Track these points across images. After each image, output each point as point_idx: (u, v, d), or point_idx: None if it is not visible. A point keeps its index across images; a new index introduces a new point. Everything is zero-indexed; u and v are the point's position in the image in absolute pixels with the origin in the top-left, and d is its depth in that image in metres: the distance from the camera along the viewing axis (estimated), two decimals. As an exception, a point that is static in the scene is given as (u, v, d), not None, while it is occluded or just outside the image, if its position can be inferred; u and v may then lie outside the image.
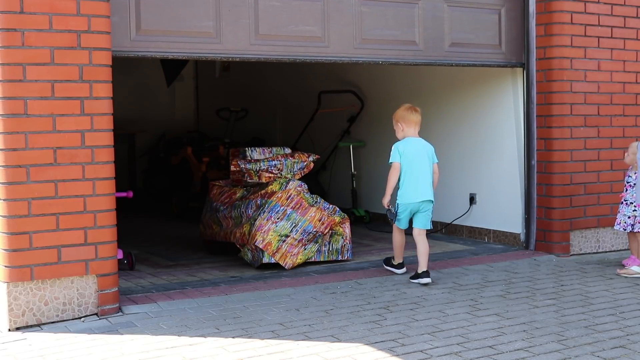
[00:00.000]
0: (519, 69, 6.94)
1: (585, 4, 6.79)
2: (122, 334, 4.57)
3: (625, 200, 6.24)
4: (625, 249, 7.13)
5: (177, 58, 5.49)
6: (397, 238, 6.06)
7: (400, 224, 6.01)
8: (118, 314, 4.94)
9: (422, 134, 6.86)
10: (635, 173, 6.15)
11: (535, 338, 4.43)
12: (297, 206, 6.25)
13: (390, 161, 5.98)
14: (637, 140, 6.39)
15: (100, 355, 4.19)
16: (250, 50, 5.62)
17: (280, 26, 5.71)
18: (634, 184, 6.07)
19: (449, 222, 7.75)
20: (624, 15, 7.02)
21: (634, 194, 6.04)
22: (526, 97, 6.90)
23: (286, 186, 6.31)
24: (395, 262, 6.13)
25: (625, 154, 6.34)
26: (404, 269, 6.09)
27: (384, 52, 6.21)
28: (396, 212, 5.98)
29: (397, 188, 6.02)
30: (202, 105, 12.92)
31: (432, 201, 5.99)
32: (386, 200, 6.01)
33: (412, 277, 5.88)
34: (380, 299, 5.30)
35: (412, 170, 5.93)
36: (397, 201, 5.99)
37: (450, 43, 6.49)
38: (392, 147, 6.00)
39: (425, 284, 5.77)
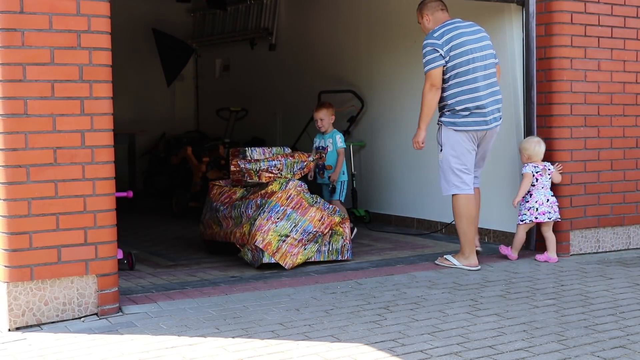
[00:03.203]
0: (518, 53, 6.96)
1: (585, 4, 6.80)
2: (122, 334, 4.57)
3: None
4: (624, 249, 7.14)
5: None
6: (343, 207, 7.46)
7: (343, 196, 7.54)
8: (118, 314, 4.94)
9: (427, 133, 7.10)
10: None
11: (535, 338, 4.43)
12: (297, 206, 6.25)
13: (343, 146, 7.54)
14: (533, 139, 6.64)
15: (100, 355, 4.19)
16: None
17: None
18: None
19: (449, 222, 7.75)
20: (624, 15, 7.03)
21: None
22: (526, 97, 6.91)
23: (286, 186, 6.31)
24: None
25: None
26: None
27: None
28: (341, 188, 7.50)
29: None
30: (202, 105, 12.93)
31: None
32: (336, 177, 7.52)
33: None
34: (380, 299, 5.31)
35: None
36: (345, 179, 7.55)
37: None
38: (340, 136, 7.54)
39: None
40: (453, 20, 6.32)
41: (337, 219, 6.39)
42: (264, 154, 6.59)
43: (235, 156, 6.65)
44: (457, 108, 6.16)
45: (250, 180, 6.49)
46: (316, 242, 6.31)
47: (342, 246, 6.44)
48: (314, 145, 7.64)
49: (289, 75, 10.51)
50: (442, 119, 6.27)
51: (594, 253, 6.96)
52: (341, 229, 6.42)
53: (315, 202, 6.37)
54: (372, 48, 8.87)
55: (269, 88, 10.93)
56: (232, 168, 6.64)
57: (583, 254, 6.90)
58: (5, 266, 4.62)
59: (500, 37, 7.17)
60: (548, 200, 6.51)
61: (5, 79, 4.56)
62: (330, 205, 6.46)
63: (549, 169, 6.54)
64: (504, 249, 6.65)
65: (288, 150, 6.75)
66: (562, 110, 6.76)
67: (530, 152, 6.51)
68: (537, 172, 6.48)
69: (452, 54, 6.12)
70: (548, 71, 6.77)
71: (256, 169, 6.42)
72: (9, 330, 4.64)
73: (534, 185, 6.49)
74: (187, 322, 4.79)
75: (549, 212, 6.50)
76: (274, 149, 6.70)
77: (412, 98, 8.21)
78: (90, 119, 4.80)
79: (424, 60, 6.18)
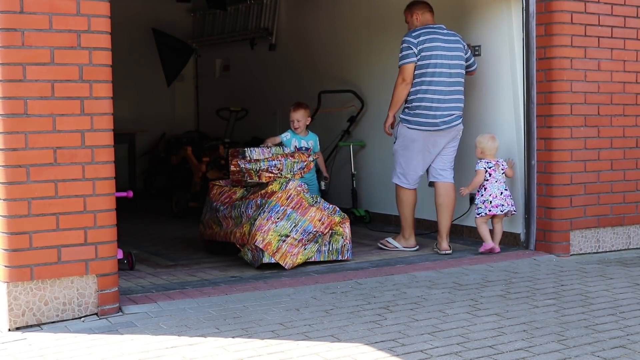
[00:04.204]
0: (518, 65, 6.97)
1: (585, 4, 6.79)
2: (122, 334, 4.57)
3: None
4: (624, 249, 7.14)
5: None
6: None
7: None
8: (118, 314, 4.94)
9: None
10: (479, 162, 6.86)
11: (535, 338, 4.43)
12: (297, 206, 6.25)
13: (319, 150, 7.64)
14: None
15: (100, 355, 4.19)
16: None
17: None
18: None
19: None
20: (624, 15, 7.02)
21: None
22: (526, 97, 6.91)
23: (286, 186, 6.31)
24: None
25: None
26: None
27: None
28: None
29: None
30: (202, 105, 12.92)
31: None
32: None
33: None
34: (380, 299, 5.31)
35: None
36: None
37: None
38: (317, 139, 7.54)
39: None
40: (434, 26, 6.86)
41: (337, 219, 6.39)
42: (264, 154, 6.59)
43: (235, 156, 6.65)
44: (414, 105, 6.77)
45: (250, 180, 6.49)
46: (316, 242, 6.30)
47: (342, 246, 6.44)
48: (293, 145, 7.36)
49: (289, 75, 10.51)
50: (401, 115, 6.91)
51: (594, 253, 6.96)
52: (341, 229, 6.42)
53: (315, 202, 6.37)
54: (372, 48, 8.87)
55: (269, 88, 10.93)
56: (232, 168, 6.63)
57: (583, 254, 6.90)
58: (5, 266, 4.62)
59: (500, 36, 7.17)
60: (502, 193, 6.78)
61: (5, 79, 4.56)
62: (331, 205, 6.46)
63: (502, 166, 6.83)
64: (483, 248, 6.82)
65: (288, 150, 6.75)
66: (562, 110, 6.76)
67: (483, 146, 6.82)
68: (489, 168, 6.79)
69: (422, 54, 6.70)
70: (548, 71, 6.77)
71: (256, 169, 6.42)
72: (9, 330, 4.64)
73: (487, 180, 6.80)
74: (187, 322, 4.79)
75: (502, 205, 6.77)
76: (274, 149, 6.70)
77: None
78: (90, 119, 4.80)
79: (400, 55, 6.78)
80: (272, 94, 10.86)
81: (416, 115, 6.76)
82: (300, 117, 7.45)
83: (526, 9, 6.83)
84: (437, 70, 6.70)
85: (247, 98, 11.22)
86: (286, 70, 10.58)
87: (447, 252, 6.82)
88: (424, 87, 6.72)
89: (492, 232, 6.89)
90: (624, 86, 7.04)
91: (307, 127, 7.59)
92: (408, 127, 6.80)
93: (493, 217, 6.84)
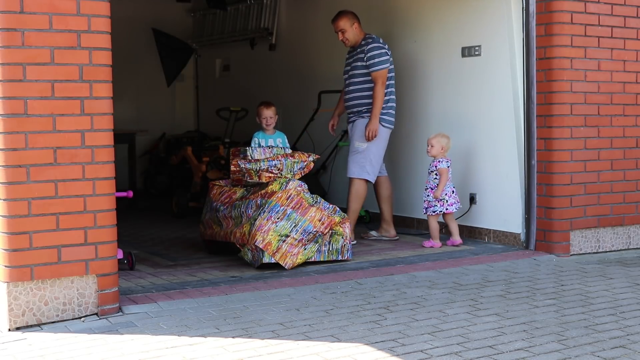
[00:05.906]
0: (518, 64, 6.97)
1: (585, 4, 6.80)
2: (122, 334, 4.58)
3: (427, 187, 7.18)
4: (624, 249, 7.14)
5: None
6: None
7: None
8: (118, 314, 4.94)
9: (425, 131, 7.10)
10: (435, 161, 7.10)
11: (535, 338, 4.43)
12: (297, 206, 6.25)
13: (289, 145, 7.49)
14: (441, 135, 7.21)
15: (100, 355, 4.20)
16: None
17: None
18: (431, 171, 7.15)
19: (449, 222, 7.75)
20: (624, 15, 7.03)
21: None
22: (526, 97, 6.91)
23: (286, 186, 6.31)
24: None
25: (429, 148, 7.15)
26: None
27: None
28: None
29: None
30: (202, 105, 12.93)
31: None
32: None
33: None
34: (380, 299, 5.31)
35: None
36: None
37: None
38: (285, 137, 7.42)
39: None
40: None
41: (337, 218, 6.39)
42: (264, 154, 6.59)
43: (236, 155, 6.65)
44: (389, 104, 7.29)
45: (250, 180, 6.50)
46: (316, 242, 6.30)
47: (342, 246, 6.44)
48: (263, 145, 7.23)
49: (289, 75, 10.51)
50: (380, 115, 7.23)
51: (594, 253, 6.97)
52: (341, 229, 6.42)
53: (316, 202, 6.36)
54: (372, 48, 8.85)
55: (269, 88, 10.93)
56: (232, 168, 6.63)
57: (583, 254, 6.91)
58: (6, 266, 4.62)
59: (500, 36, 7.17)
60: (453, 192, 7.05)
61: (5, 79, 4.56)
62: (331, 205, 6.46)
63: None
64: (427, 243, 7.10)
65: (288, 150, 6.75)
66: (562, 110, 6.76)
67: (445, 144, 7.07)
68: (447, 167, 7.05)
69: (390, 60, 7.32)
70: (548, 71, 6.77)
71: (256, 169, 6.42)
72: (9, 330, 4.64)
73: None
74: (187, 322, 4.79)
75: (456, 203, 7.09)
76: (274, 149, 6.70)
77: (412, 98, 8.21)
78: (90, 119, 4.80)
79: (377, 60, 7.20)
80: (272, 94, 10.84)
81: (390, 116, 7.32)
82: (272, 114, 7.41)
83: (526, 9, 6.84)
84: (394, 74, 7.40)
85: (247, 98, 11.21)
86: (286, 70, 10.58)
87: (396, 238, 7.50)
88: (391, 89, 7.34)
89: (447, 229, 7.18)
90: (624, 86, 7.04)
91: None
92: (384, 126, 7.26)
93: (444, 215, 7.09)
